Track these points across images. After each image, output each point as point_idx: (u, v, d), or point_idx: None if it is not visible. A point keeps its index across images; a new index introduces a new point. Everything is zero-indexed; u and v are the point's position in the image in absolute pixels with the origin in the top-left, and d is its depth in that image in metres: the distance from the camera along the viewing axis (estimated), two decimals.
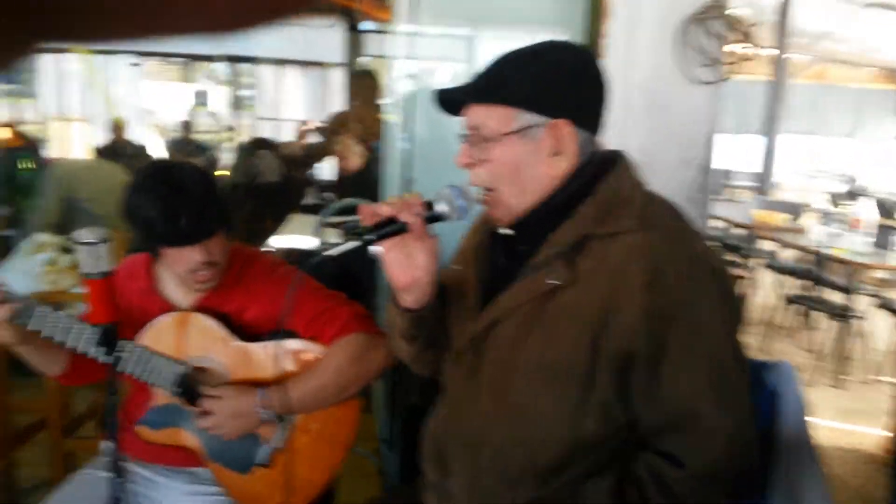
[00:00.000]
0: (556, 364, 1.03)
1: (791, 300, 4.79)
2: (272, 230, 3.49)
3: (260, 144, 5.69)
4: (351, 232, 1.10)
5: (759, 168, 7.92)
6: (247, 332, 1.57)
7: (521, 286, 1.08)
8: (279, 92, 8.91)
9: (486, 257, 1.21)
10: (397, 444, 2.41)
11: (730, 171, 10.47)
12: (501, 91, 1.08)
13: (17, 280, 2.32)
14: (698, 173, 2.04)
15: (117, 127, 6.69)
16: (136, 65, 8.67)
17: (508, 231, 1.15)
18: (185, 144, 6.88)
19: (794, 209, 5.99)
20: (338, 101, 7.67)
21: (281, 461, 1.56)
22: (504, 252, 1.17)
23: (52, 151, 8.42)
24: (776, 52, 7.45)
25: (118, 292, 1.61)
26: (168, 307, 1.58)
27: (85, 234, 1.21)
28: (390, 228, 1.08)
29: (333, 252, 1.08)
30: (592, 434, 1.03)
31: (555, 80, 1.08)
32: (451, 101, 1.14)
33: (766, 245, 5.64)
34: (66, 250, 2.58)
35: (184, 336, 1.55)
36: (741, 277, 4.11)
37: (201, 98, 9.25)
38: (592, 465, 1.05)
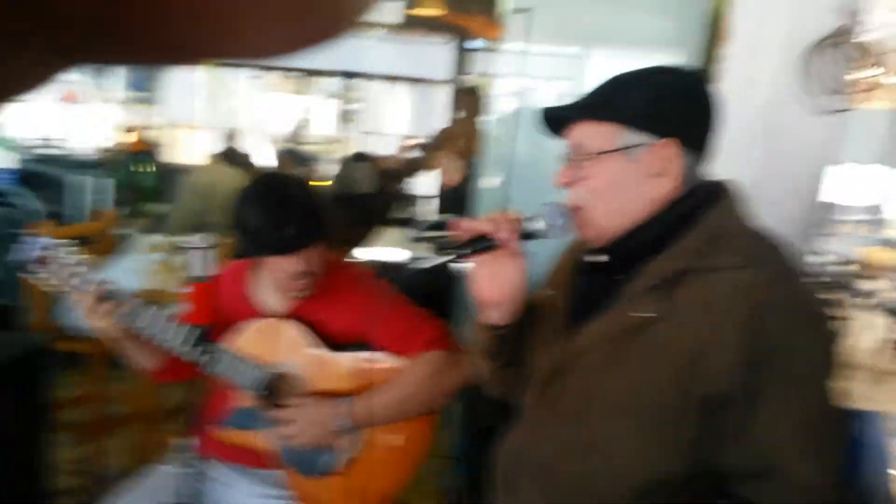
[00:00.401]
0: (642, 400, 0.97)
1: None
2: (363, 240, 3.55)
3: (359, 157, 5.87)
4: (443, 247, 1.09)
5: (874, 202, 7.37)
6: (333, 342, 1.59)
7: (613, 316, 1.03)
8: (386, 107, 9.13)
9: (578, 283, 1.17)
10: (467, 463, 2.37)
11: (843, 205, 9.85)
12: (608, 108, 1.05)
13: (126, 277, 2.44)
14: (812, 208, 1.89)
15: (233, 136, 6.98)
16: (256, 77, 9.09)
17: (602, 258, 1.10)
18: (292, 155, 7.12)
19: None
20: (443, 117, 7.76)
21: (352, 470, 1.56)
22: (597, 279, 1.12)
23: (171, 157, 8.95)
24: None
25: (219, 295, 1.67)
26: (261, 313, 1.61)
27: (196, 240, 1.25)
28: (484, 244, 1.06)
29: (426, 265, 1.07)
30: (673, 475, 0.97)
31: (663, 100, 1.04)
32: (556, 121, 1.12)
33: (879, 284, 5.22)
34: (179, 251, 2.70)
35: (272, 342, 1.58)
36: (845, 318, 3.81)
37: (302, 112, 9.58)
38: None
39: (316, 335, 1.58)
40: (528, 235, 1.07)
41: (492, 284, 1.09)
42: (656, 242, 1.02)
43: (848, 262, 5.31)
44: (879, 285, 5.11)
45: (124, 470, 2.60)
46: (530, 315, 1.18)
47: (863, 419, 1.22)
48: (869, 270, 5.07)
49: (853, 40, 1.74)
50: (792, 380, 0.92)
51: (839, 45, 1.75)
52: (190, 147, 8.99)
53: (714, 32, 2.04)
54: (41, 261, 1.43)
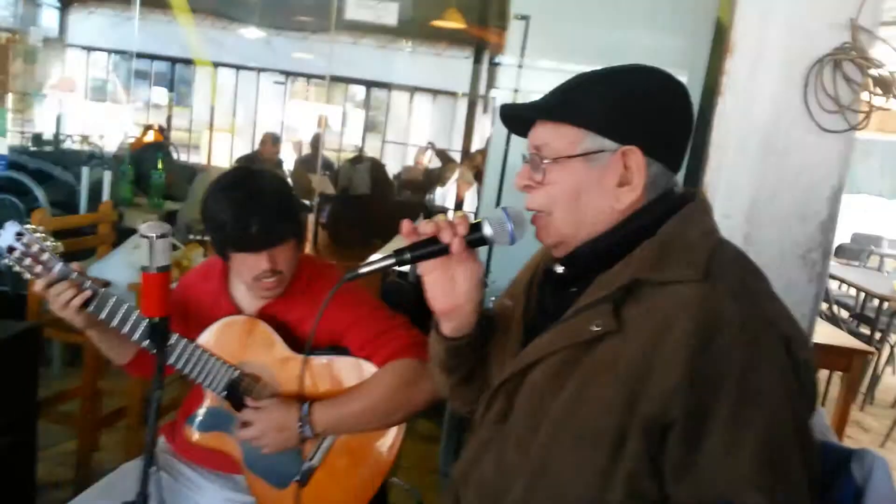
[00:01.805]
0: (586, 422, 0.90)
1: None
2: (363, 241, 3.54)
3: (358, 159, 6.01)
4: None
5: None
6: (304, 345, 1.54)
7: (562, 329, 0.97)
8: (409, 117, 9.19)
9: (537, 294, 1.11)
10: None
11: (881, 238, 9.62)
12: (571, 110, 0.98)
13: (118, 271, 2.44)
14: (818, 231, 1.82)
15: (266, 141, 6.96)
16: (280, 83, 9.17)
17: (560, 268, 1.04)
18: (313, 160, 7.15)
19: None
20: (461, 129, 7.79)
21: (317, 480, 1.51)
22: (553, 291, 1.06)
23: (201, 158, 9.08)
24: None
25: (191, 292, 1.65)
26: (234, 310, 1.58)
27: (148, 228, 1.22)
28: (429, 249, 1.00)
29: (366, 269, 1.02)
30: None
31: (630, 104, 0.97)
32: (521, 120, 1.05)
33: None
34: (174, 247, 2.69)
35: (242, 341, 1.55)
36: (871, 353, 3.69)
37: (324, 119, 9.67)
38: None
39: (289, 336, 1.54)
40: (476, 241, 1.01)
41: (443, 292, 1.04)
42: (614, 254, 0.96)
43: (876, 296, 5.17)
44: None
45: (117, 465, 2.60)
46: (489, 327, 1.12)
47: (864, 460, 1.09)
48: None
49: (859, 58, 1.67)
50: (745, 403, 0.84)
51: (841, 63, 1.69)
52: (218, 149, 9.12)
53: (718, 46, 1.98)
54: (10, 249, 1.41)
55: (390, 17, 4.98)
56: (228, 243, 1.47)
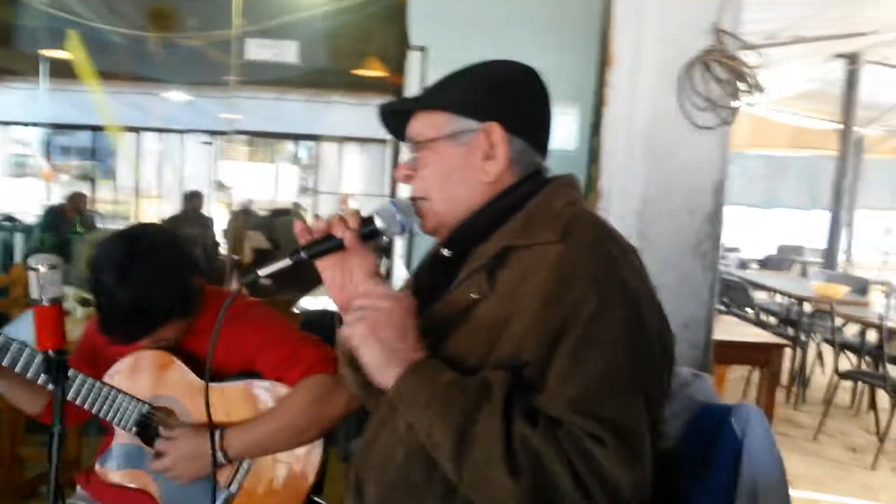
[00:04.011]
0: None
1: (844, 376, 4.43)
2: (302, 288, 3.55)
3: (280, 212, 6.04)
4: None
5: (825, 244, 7.57)
6: (219, 373, 1.54)
7: (446, 302, 1.04)
8: (340, 167, 9.28)
9: (424, 277, 1.17)
10: None
11: (801, 248, 10.12)
12: (436, 96, 1.09)
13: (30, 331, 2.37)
14: (706, 223, 1.92)
15: (194, 198, 6.95)
16: (207, 143, 9.14)
17: (446, 252, 1.10)
18: (244, 217, 7.13)
19: (860, 283, 5.66)
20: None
21: None
22: (441, 272, 1.11)
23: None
24: (841, 126, 7.23)
25: (98, 334, 1.63)
26: (139, 346, 1.57)
27: (36, 260, 1.21)
28: (324, 246, 1.05)
29: (265, 272, 1.05)
30: None
31: (488, 87, 1.07)
32: (399, 121, 1.13)
33: (837, 321, 5.30)
34: (85, 303, 2.65)
35: (152, 376, 1.53)
36: (787, 346, 3.83)
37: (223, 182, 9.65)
38: None
39: (198, 366, 1.54)
40: (368, 234, 1.06)
41: (339, 286, 1.08)
42: (488, 229, 1.04)
43: (796, 297, 5.39)
44: (836, 322, 5.17)
45: None
46: None
47: (740, 413, 1.16)
48: (817, 305, 5.14)
49: (723, 58, 1.80)
50: (582, 347, 0.89)
51: (709, 64, 1.82)
52: (147, 214, 9.00)
53: (602, 59, 2.10)
54: None
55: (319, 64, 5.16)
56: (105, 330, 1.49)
